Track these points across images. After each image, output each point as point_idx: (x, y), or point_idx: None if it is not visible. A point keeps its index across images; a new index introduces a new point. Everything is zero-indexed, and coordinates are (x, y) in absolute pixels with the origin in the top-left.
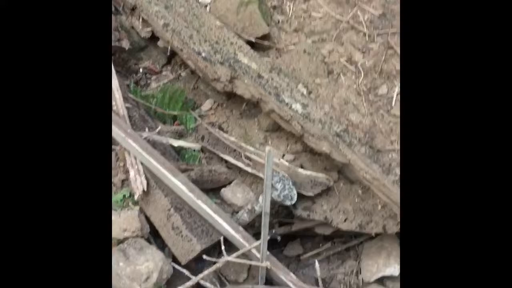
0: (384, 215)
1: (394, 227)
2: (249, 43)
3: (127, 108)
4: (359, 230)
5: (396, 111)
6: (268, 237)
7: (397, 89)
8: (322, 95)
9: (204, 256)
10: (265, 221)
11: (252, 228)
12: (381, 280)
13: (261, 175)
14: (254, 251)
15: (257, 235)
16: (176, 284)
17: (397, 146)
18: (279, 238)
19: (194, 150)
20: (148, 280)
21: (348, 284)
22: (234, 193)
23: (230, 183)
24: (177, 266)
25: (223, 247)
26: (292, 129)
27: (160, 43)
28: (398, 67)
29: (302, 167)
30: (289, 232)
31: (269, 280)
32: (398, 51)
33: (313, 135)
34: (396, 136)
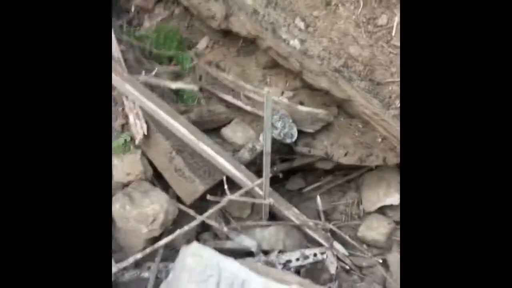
0: (384, 148)
1: (393, 159)
2: None
3: (122, 51)
4: (360, 163)
5: (396, 41)
6: (270, 175)
7: (397, 19)
8: (320, 28)
9: (208, 196)
10: (267, 161)
11: (254, 165)
12: (381, 210)
13: (260, 113)
14: (257, 188)
15: (259, 173)
16: (182, 224)
17: (397, 78)
18: (280, 175)
19: (193, 91)
20: (154, 222)
21: (349, 215)
22: (235, 132)
23: (230, 122)
24: (182, 207)
25: (226, 186)
26: (290, 66)
27: None
28: None
29: (301, 103)
30: (291, 168)
31: (272, 215)
32: None
33: (312, 71)
34: (396, 68)
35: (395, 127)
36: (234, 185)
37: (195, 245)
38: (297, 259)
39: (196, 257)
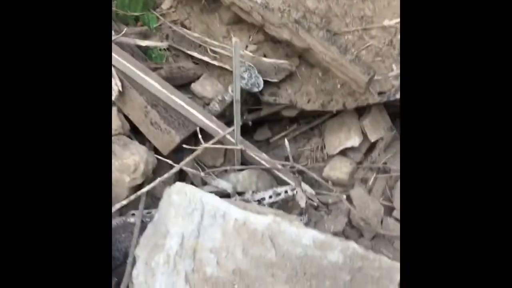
0: (343, 93)
1: (352, 103)
2: None
3: None
4: (322, 109)
5: None
6: (240, 123)
7: None
8: None
9: (184, 145)
10: (237, 108)
11: (223, 117)
12: (343, 152)
13: (227, 67)
14: (228, 136)
15: (229, 124)
16: (161, 173)
17: (352, 27)
18: (250, 123)
19: (160, 49)
20: (136, 171)
21: (314, 158)
22: (204, 87)
23: (198, 78)
24: (160, 157)
25: (200, 136)
26: (253, 20)
27: None
28: None
29: (265, 56)
30: (258, 118)
31: (243, 162)
32: None
33: (273, 24)
34: (350, 18)
35: (353, 71)
36: (207, 136)
37: (178, 184)
38: (270, 197)
39: (181, 194)
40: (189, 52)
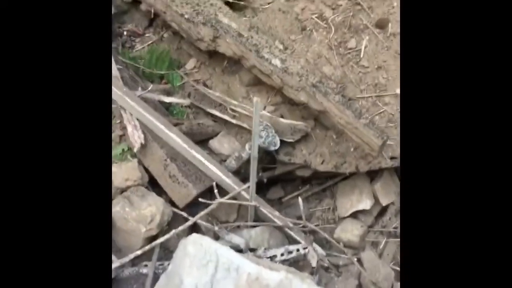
0: (356, 156)
1: (365, 166)
2: (227, 3)
3: (118, 69)
4: (335, 170)
5: (364, 62)
6: (256, 180)
7: (364, 42)
8: (297, 50)
9: (200, 199)
10: (254, 165)
11: (239, 174)
12: (354, 214)
13: (245, 125)
14: (243, 193)
15: (244, 181)
16: (176, 226)
17: (366, 94)
18: (265, 180)
19: (182, 106)
20: (152, 222)
21: (325, 220)
22: (221, 144)
23: (216, 134)
24: (176, 210)
25: (216, 191)
26: (272, 82)
27: (142, 7)
28: (365, 21)
29: (282, 117)
30: (272, 176)
31: (256, 219)
32: (365, 6)
33: (292, 86)
34: (364, 85)
35: (367, 134)
36: (222, 192)
37: (195, 235)
38: (282, 254)
39: (197, 245)
40: (209, 110)
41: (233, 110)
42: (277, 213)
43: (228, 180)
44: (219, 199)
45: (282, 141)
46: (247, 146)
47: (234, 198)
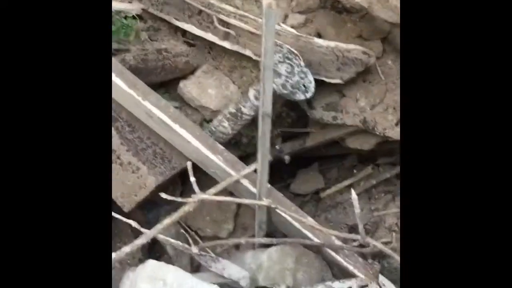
0: None
1: None
2: None
3: None
4: None
5: None
6: (270, 158)
7: None
8: None
9: (163, 195)
10: (265, 129)
11: (237, 146)
12: None
13: (248, 52)
14: (245, 183)
15: (246, 159)
16: (115, 240)
17: None
18: (287, 158)
19: (127, 17)
20: None
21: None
22: (203, 88)
23: (194, 71)
24: (117, 215)
25: (193, 180)
26: None
27: None
28: None
29: (319, 35)
30: (301, 150)
31: (271, 233)
32: None
33: None
34: None
35: None
36: (205, 178)
37: (152, 263)
38: None
39: (155, 282)
40: (178, 23)
41: (224, 23)
42: (310, 219)
43: (216, 159)
44: (200, 195)
45: (320, 83)
46: (252, 93)
47: (227, 192)
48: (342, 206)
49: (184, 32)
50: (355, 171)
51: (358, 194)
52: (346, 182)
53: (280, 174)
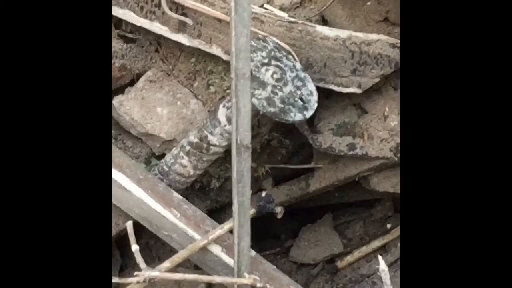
0: None
1: None
2: None
3: None
4: None
5: None
6: (252, 212)
7: None
8: None
9: None
10: (242, 168)
11: (204, 195)
12: None
13: (216, 50)
14: (217, 250)
15: (218, 213)
16: None
17: None
18: (279, 210)
19: None
20: None
21: None
22: (149, 107)
23: (134, 80)
24: None
25: (134, 248)
26: None
27: None
28: None
29: (324, 21)
30: (303, 197)
31: None
32: None
33: None
34: None
35: None
36: (157, 246)
37: None
38: None
39: None
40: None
41: (179, 7)
42: None
43: (172, 215)
44: (148, 271)
45: (326, 95)
46: (222, 114)
47: (192, 266)
48: (371, 280)
49: (118, 22)
50: (389, 225)
51: (394, 261)
52: (376, 243)
53: (273, 235)
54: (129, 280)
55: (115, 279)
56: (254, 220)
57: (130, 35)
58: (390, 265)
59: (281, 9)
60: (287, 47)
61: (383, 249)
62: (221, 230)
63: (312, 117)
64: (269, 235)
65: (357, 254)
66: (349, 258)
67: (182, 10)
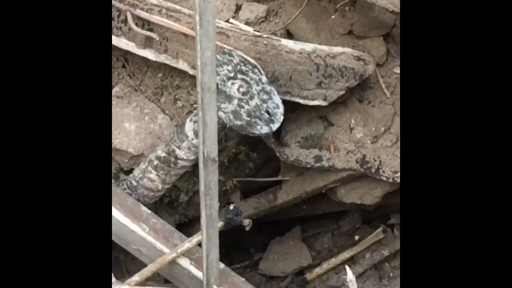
0: None
1: None
2: None
3: None
4: None
5: None
6: (220, 225)
7: None
8: None
9: None
10: (209, 181)
11: (173, 209)
12: None
13: (183, 65)
14: (185, 263)
15: (187, 227)
16: None
17: None
18: (247, 223)
19: None
20: None
21: None
22: (117, 122)
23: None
24: None
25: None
26: None
27: None
28: None
29: (289, 34)
30: (271, 210)
31: None
32: None
33: None
34: None
35: None
36: (126, 260)
37: None
38: None
39: None
40: None
41: (145, 22)
42: None
43: (140, 229)
44: (117, 286)
45: (292, 107)
46: (189, 128)
47: (162, 280)
48: None
49: None
50: (357, 237)
51: (363, 272)
52: (345, 255)
53: (243, 247)
54: None
55: None
56: (223, 234)
57: None
58: (358, 276)
59: (246, 23)
60: (252, 61)
61: (351, 261)
62: (189, 243)
63: (279, 130)
64: (238, 249)
65: (325, 266)
66: (318, 270)
67: (148, 25)
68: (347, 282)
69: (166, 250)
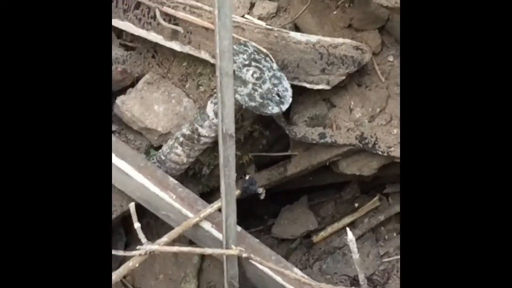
0: None
1: None
2: None
3: None
4: None
5: None
6: (237, 193)
7: None
8: None
9: None
10: (227, 154)
11: (196, 180)
12: None
13: (204, 54)
14: (208, 226)
15: (209, 195)
16: None
17: None
18: (261, 191)
19: None
20: None
21: None
22: (148, 105)
23: (134, 83)
24: None
25: (137, 225)
26: None
27: None
28: None
29: (296, 28)
30: (282, 181)
31: None
32: None
33: None
34: None
35: None
36: (156, 224)
37: None
38: None
39: None
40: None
41: (171, 18)
42: (296, 272)
43: (168, 197)
44: (148, 245)
45: (299, 91)
46: (211, 109)
47: (187, 240)
48: (342, 252)
49: (119, 33)
50: (356, 204)
51: (362, 235)
52: (346, 220)
53: (257, 214)
54: (133, 253)
55: (120, 253)
56: (240, 202)
57: (130, 44)
58: (357, 238)
59: (259, 18)
60: (265, 50)
61: (352, 225)
62: (211, 209)
63: (288, 110)
64: (253, 216)
65: (329, 229)
66: (323, 233)
67: (174, 20)
68: (348, 242)
69: (190, 215)
